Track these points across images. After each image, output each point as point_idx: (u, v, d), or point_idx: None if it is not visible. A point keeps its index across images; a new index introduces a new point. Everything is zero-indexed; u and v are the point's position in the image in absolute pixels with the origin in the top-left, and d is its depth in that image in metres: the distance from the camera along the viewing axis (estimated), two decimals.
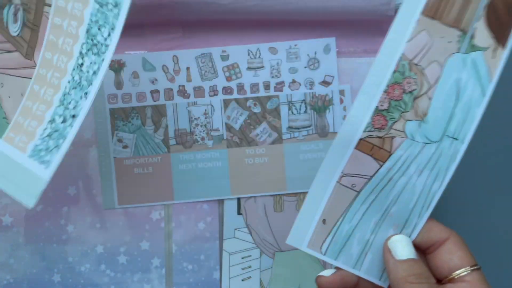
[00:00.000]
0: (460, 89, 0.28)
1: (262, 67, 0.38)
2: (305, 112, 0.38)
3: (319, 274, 0.28)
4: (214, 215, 0.38)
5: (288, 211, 0.38)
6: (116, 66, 0.38)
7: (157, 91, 0.38)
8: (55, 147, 0.26)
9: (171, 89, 0.38)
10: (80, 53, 0.26)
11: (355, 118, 0.28)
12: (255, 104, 0.38)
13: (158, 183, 0.38)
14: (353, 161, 0.28)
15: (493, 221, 0.46)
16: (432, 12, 0.29)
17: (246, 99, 0.38)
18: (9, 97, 0.27)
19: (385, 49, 0.28)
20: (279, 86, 0.38)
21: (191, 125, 0.38)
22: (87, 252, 0.38)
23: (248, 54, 0.38)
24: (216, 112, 0.38)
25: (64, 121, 0.26)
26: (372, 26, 0.39)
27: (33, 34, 0.27)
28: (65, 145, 0.26)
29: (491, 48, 0.29)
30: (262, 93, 0.38)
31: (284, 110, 0.38)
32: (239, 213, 0.39)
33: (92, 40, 0.26)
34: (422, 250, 0.29)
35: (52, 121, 0.27)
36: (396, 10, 0.35)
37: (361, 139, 0.28)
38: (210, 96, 0.38)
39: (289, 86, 0.38)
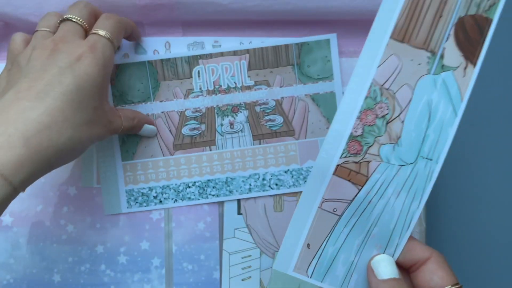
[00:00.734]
0: (432, 110, 0.29)
1: None
2: None
3: None
4: (214, 215, 0.38)
5: (288, 211, 0.39)
6: None
7: None
8: None
9: None
10: None
11: (331, 145, 0.29)
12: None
13: None
14: (332, 186, 0.29)
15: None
16: (400, 36, 0.29)
17: None
18: None
19: (356, 76, 0.29)
20: None
21: None
22: (87, 252, 0.38)
23: (240, 45, 0.38)
24: None
25: None
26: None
27: None
28: None
29: (461, 67, 0.29)
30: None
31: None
32: (239, 213, 0.39)
33: None
34: (406, 269, 0.30)
35: None
36: None
37: (338, 165, 0.29)
38: None
39: None
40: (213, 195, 0.38)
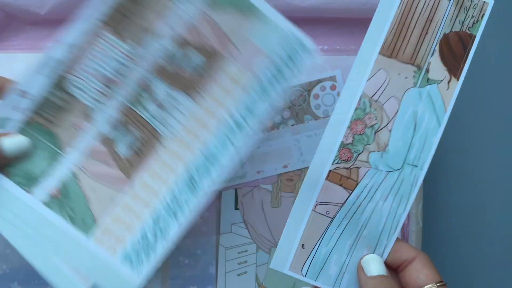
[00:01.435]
0: (417, 120, 0.31)
1: None
2: None
3: None
4: (211, 210, 0.38)
5: (285, 207, 0.39)
6: None
7: None
8: (146, 259, 0.30)
9: None
10: (177, 186, 0.31)
11: (323, 153, 0.31)
12: None
13: None
14: (325, 191, 0.32)
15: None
16: (389, 51, 0.32)
17: None
18: (99, 202, 0.31)
19: (347, 89, 0.31)
20: None
21: None
22: None
23: None
24: None
25: (155, 238, 0.30)
26: None
27: (139, 160, 0.31)
28: (155, 259, 0.29)
29: (445, 80, 0.31)
30: None
31: None
32: (236, 208, 0.39)
33: (191, 181, 0.31)
34: (394, 268, 0.32)
35: (144, 236, 0.30)
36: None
37: (330, 171, 0.32)
38: None
39: None
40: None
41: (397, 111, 0.31)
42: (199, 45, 0.31)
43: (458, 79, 0.31)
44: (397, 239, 0.31)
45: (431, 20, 0.32)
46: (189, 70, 0.31)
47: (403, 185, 0.31)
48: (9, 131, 0.30)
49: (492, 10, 0.32)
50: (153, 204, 0.30)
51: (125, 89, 0.31)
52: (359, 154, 0.31)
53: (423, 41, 0.32)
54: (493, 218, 0.46)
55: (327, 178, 0.32)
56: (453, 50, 0.32)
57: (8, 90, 0.29)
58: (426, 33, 0.32)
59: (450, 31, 0.32)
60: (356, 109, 0.31)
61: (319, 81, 0.39)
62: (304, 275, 0.32)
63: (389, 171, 0.31)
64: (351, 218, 0.32)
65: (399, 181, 0.31)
